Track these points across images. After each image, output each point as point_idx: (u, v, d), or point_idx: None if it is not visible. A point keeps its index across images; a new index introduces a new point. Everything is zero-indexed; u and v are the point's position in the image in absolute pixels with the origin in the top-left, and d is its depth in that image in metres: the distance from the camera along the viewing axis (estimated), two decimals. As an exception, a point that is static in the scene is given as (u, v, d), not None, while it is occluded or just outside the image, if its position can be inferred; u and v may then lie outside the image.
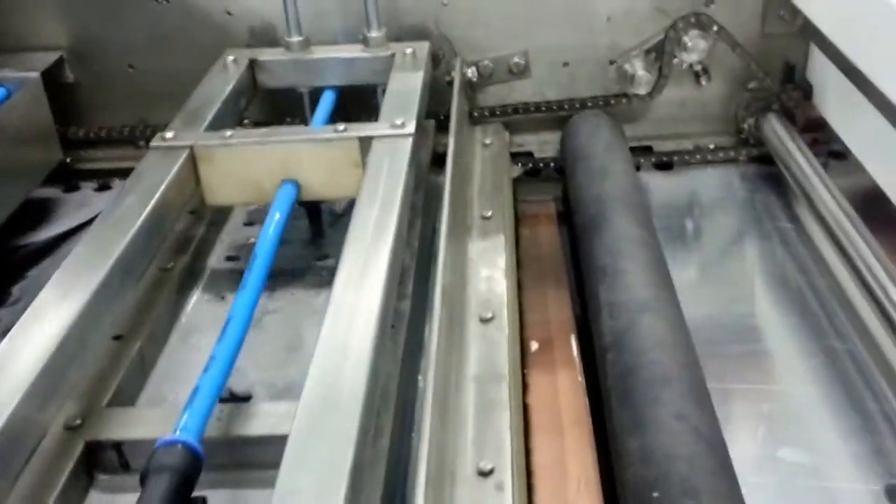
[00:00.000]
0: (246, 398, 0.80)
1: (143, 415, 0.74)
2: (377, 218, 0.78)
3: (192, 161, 0.92)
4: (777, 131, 1.20)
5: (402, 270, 0.89)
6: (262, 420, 0.69)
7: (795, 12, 1.18)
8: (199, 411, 0.64)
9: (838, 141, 1.17)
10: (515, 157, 1.26)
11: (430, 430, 0.60)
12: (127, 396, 0.78)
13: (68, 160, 1.27)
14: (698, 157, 1.25)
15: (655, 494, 0.61)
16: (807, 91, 1.22)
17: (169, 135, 0.94)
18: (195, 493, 0.60)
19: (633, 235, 0.92)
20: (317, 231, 1.05)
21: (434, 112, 1.18)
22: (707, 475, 0.62)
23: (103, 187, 1.27)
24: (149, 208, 0.83)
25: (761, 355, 0.91)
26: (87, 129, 1.29)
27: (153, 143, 0.94)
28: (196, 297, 0.96)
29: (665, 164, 1.26)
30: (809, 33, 1.18)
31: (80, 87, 1.28)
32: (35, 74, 1.18)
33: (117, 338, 0.82)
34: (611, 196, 1.01)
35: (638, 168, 1.24)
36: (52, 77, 1.22)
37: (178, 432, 0.62)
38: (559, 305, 0.94)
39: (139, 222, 0.80)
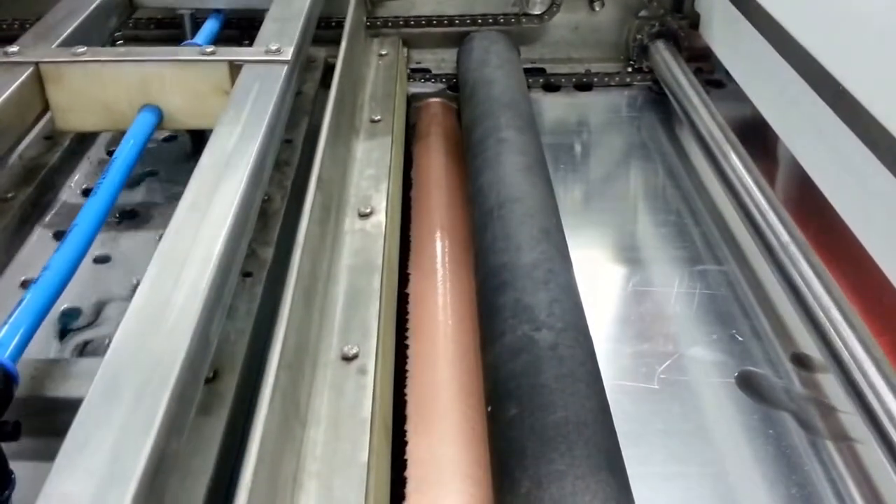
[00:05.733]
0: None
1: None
2: (234, 149, 0.63)
3: (38, 79, 0.75)
4: (664, 58, 1.16)
5: (267, 214, 0.77)
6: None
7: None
8: (16, 330, 0.52)
9: (721, 69, 1.15)
10: (414, 72, 1.18)
11: (289, 312, 0.53)
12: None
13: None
14: (585, 80, 1.21)
15: (489, 409, 0.58)
16: (694, 21, 1.18)
17: (13, 49, 0.76)
18: (6, 417, 0.49)
19: (510, 139, 0.86)
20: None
21: (337, 22, 1.09)
22: (530, 376, 0.57)
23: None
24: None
25: (639, 263, 0.88)
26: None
27: None
28: (38, 233, 0.81)
29: (557, 86, 1.21)
30: (700, -37, 1.14)
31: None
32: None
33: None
34: (496, 111, 0.95)
35: (557, 88, 1.20)
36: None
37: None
38: (454, 210, 0.88)
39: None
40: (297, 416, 0.52)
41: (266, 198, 0.78)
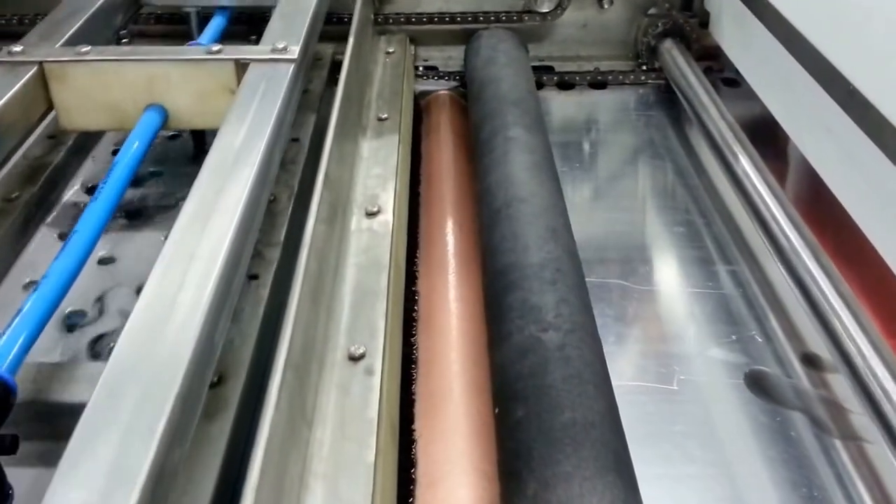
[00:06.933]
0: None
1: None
2: (240, 149, 0.62)
3: (42, 79, 0.75)
4: (673, 57, 1.15)
5: (274, 214, 0.76)
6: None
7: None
8: (16, 338, 0.52)
9: (731, 68, 1.14)
10: (422, 70, 1.18)
11: (296, 311, 0.53)
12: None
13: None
14: (599, 78, 1.20)
15: (496, 410, 0.57)
16: (703, 19, 1.18)
17: (17, 48, 0.76)
18: (5, 430, 0.48)
19: (518, 137, 0.86)
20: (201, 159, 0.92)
21: (339, 18, 1.10)
22: (536, 377, 0.56)
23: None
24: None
25: (648, 262, 0.88)
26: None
27: None
28: (42, 233, 0.80)
29: (566, 84, 1.20)
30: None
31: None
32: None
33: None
34: (504, 109, 0.94)
35: (571, 86, 1.19)
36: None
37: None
38: (463, 206, 0.87)
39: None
40: (304, 416, 0.52)
41: (272, 198, 0.77)
